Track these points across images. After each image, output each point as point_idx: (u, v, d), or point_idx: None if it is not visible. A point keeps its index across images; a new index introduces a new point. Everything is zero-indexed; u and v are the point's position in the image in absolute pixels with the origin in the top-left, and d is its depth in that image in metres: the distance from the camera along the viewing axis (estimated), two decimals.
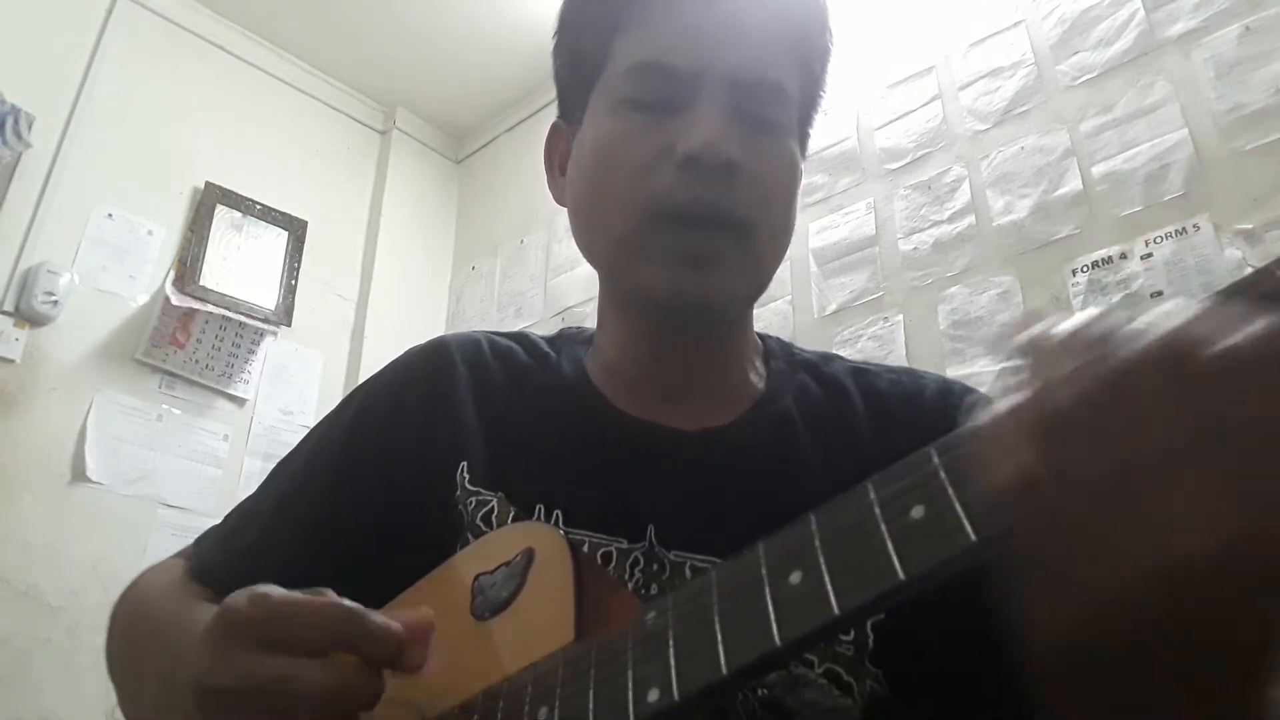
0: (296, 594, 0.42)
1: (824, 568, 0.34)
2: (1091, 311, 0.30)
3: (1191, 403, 0.27)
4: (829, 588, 0.33)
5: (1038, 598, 0.28)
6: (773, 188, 0.61)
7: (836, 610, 0.32)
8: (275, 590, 0.42)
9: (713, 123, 0.58)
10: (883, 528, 0.33)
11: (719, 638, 0.35)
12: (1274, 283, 0.29)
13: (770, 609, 0.34)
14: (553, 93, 0.71)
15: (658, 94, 0.61)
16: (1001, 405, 0.31)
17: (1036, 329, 0.31)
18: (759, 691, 0.52)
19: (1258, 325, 0.27)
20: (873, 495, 0.34)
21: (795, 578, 0.34)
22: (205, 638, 0.42)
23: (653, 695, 0.36)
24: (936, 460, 0.33)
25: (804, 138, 0.69)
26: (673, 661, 0.36)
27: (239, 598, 0.42)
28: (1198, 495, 0.26)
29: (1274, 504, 0.25)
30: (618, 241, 0.62)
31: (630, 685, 0.37)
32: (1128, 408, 0.27)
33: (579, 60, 0.67)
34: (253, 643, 0.40)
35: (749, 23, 0.61)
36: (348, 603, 0.42)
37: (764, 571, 0.36)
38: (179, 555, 0.71)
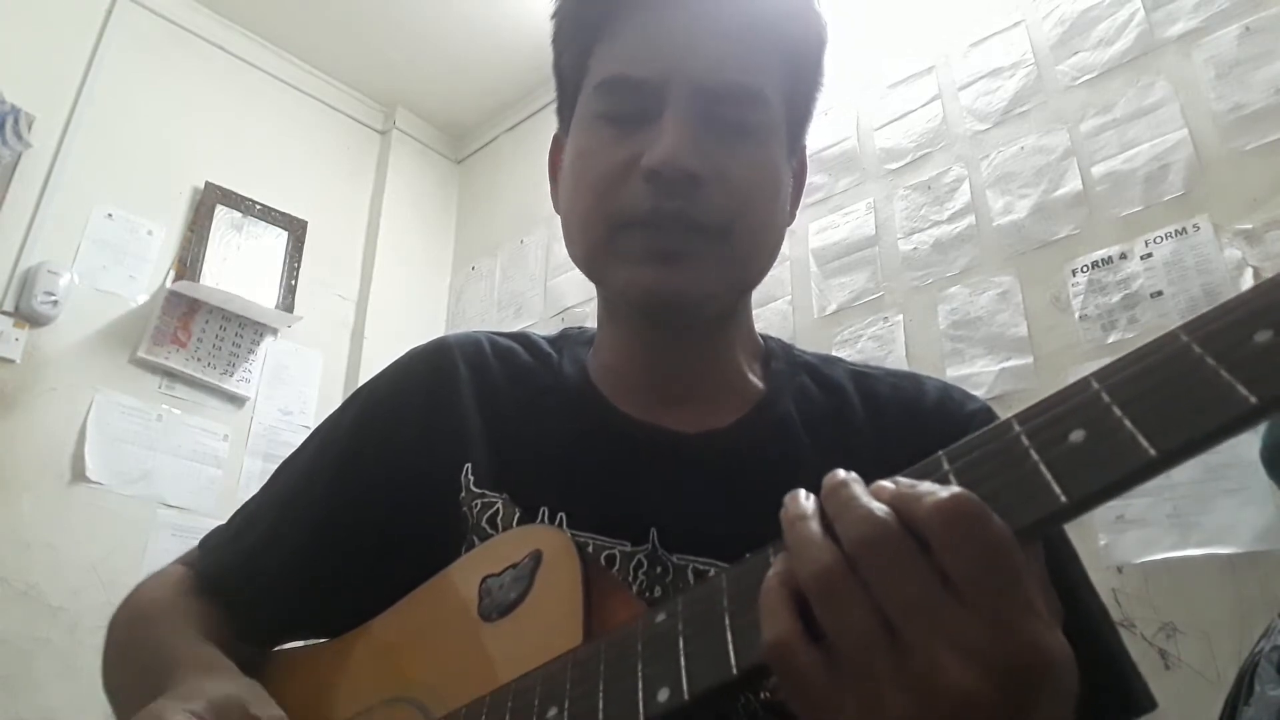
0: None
1: None
2: (838, 480, 0.35)
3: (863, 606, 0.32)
4: None
5: None
6: (748, 190, 0.61)
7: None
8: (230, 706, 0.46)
9: (675, 135, 0.58)
10: None
11: (729, 638, 0.35)
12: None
13: None
14: (553, 92, 0.72)
15: (626, 107, 0.61)
16: (771, 573, 0.35)
17: (794, 508, 0.36)
18: (761, 695, 0.52)
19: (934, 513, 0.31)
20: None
21: None
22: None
23: (663, 695, 0.36)
24: (947, 466, 0.34)
25: (795, 136, 0.68)
26: (683, 661, 0.36)
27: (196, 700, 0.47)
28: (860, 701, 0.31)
29: (926, 701, 0.30)
30: (590, 250, 0.63)
31: (640, 685, 0.37)
32: (841, 600, 0.32)
33: (563, 77, 0.68)
34: None
35: (717, 28, 0.61)
36: None
37: None
38: (180, 561, 0.71)
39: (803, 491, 0.36)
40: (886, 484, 0.34)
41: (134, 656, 0.64)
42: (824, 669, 0.32)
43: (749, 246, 0.62)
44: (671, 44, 0.60)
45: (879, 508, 0.33)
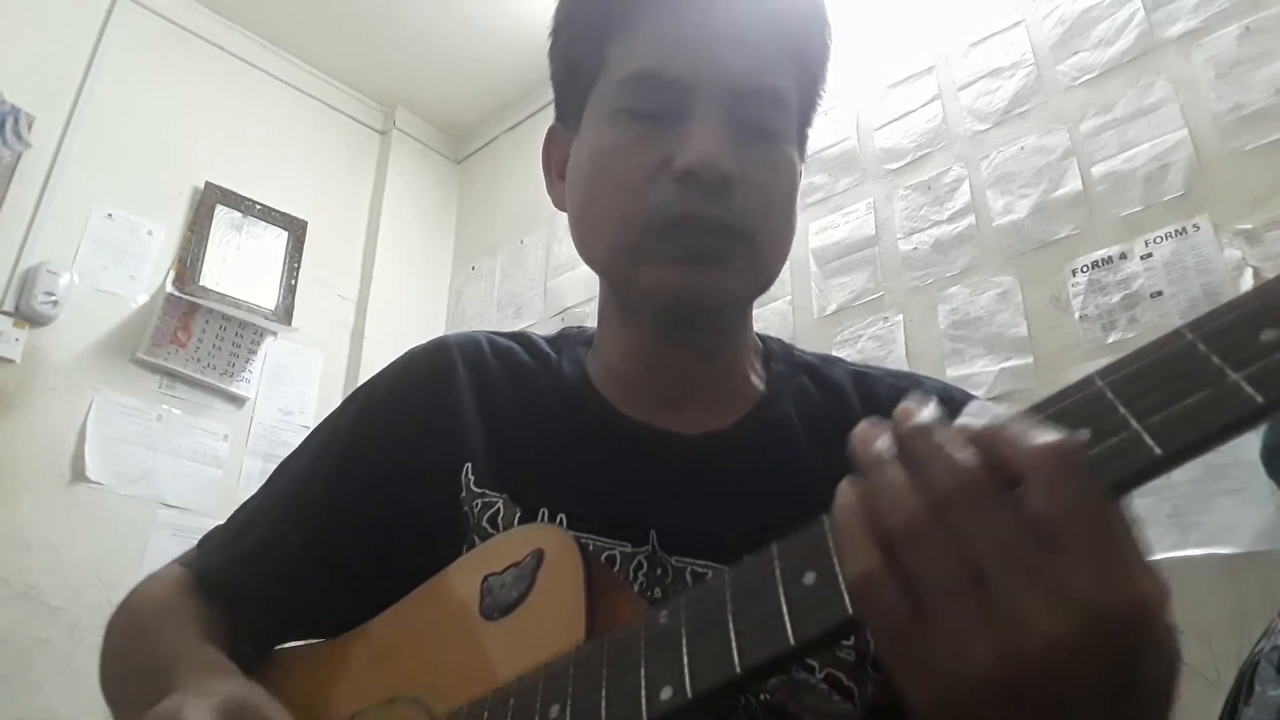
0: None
1: (838, 569, 0.34)
2: (923, 422, 0.34)
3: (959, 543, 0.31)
4: (843, 589, 0.33)
5: (895, 673, 0.33)
6: (773, 195, 0.61)
7: (850, 611, 0.33)
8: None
9: (710, 137, 0.57)
10: None
11: (733, 636, 0.35)
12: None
13: (784, 609, 0.34)
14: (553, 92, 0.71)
15: (654, 104, 0.60)
16: (847, 504, 0.34)
17: (871, 449, 0.35)
18: (761, 696, 0.52)
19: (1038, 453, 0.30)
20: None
21: (809, 578, 0.34)
22: None
23: (665, 693, 0.36)
24: None
25: (803, 139, 0.69)
26: (686, 660, 0.36)
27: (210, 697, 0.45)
28: (952, 632, 0.30)
29: (1013, 651, 0.29)
30: (616, 251, 0.62)
31: (643, 683, 0.37)
32: (934, 534, 0.31)
33: (574, 66, 0.66)
34: None
35: (746, 30, 0.61)
36: None
37: (777, 572, 0.36)
38: (178, 562, 0.71)
39: (870, 424, 0.36)
40: (972, 423, 0.33)
41: (134, 657, 0.63)
42: (910, 611, 0.31)
43: (771, 250, 0.62)
44: (702, 44, 0.60)
45: (971, 454, 0.32)
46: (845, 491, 0.34)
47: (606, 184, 0.62)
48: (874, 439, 0.35)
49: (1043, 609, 0.29)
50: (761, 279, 0.64)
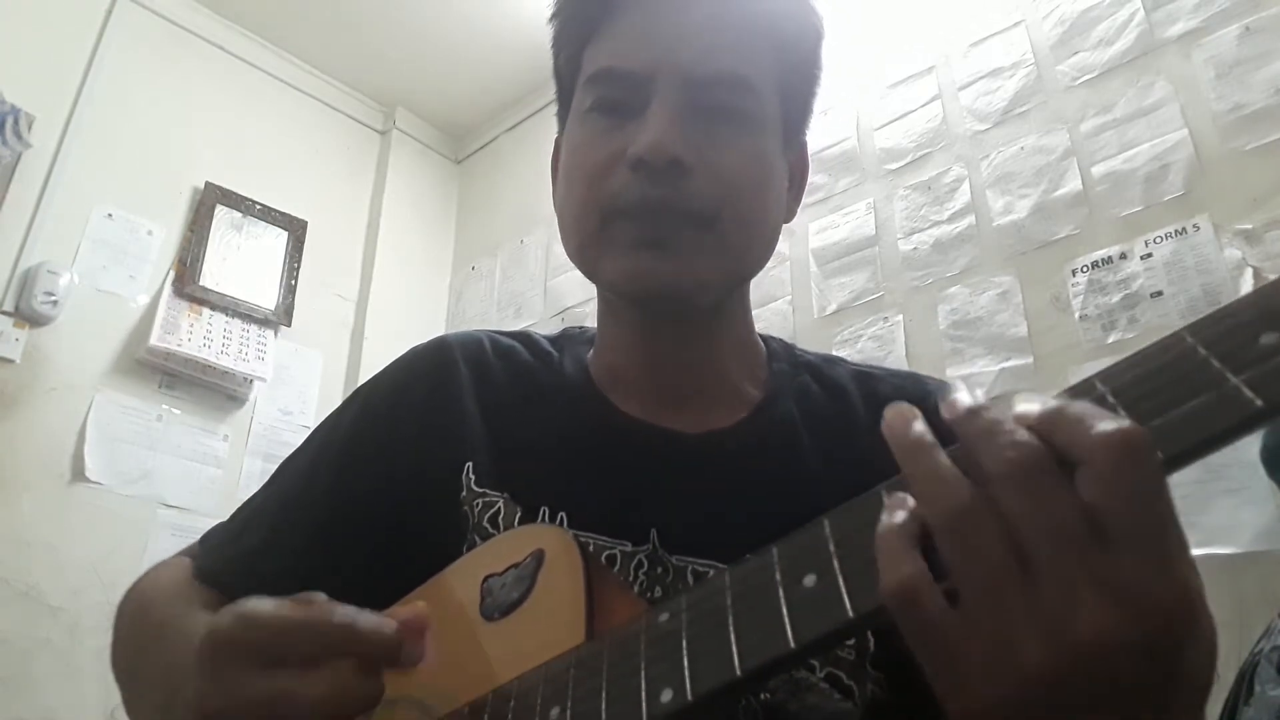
0: (285, 606, 0.42)
1: (838, 571, 0.34)
2: (965, 407, 0.32)
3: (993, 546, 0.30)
4: (843, 591, 0.33)
5: (936, 685, 0.32)
6: (737, 177, 0.61)
7: (850, 613, 0.33)
8: (262, 607, 0.42)
9: (661, 124, 0.58)
10: None
11: (733, 638, 0.35)
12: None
13: (784, 611, 0.34)
14: (553, 92, 0.72)
15: (615, 99, 0.61)
16: (891, 511, 0.33)
17: (910, 435, 0.33)
18: (761, 696, 0.52)
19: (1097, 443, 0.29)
20: (886, 499, 0.34)
21: (809, 580, 0.34)
22: (198, 660, 0.42)
23: (666, 695, 0.36)
24: None
25: (793, 127, 0.68)
26: (686, 662, 0.36)
27: (225, 618, 0.42)
28: (995, 635, 0.29)
29: (1062, 644, 0.28)
30: (580, 243, 0.63)
31: (643, 685, 0.37)
32: (978, 535, 0.30)
33: (560, 75, 0.69)
34: (245, 662, 0.40)
35: (705, 21, 0.61)
36: (338, 609, 0.41)
37: (778, 574, 0.36)
38: (183, 554, 0.71)
39: (906, 406, 0.34)
40: (1032, 407, 0.31)
41: (148, 635, 0.63)
42: (952, 614, 0.30)
43: (739, 235, 0.61)
44: (659, 36, 0.61)
45: (1028, 436, 0.30)
46: (889, 503, 0.33)
47: (574, 180, 0.63)
48: (909, 422, 0.33)
49: (1092, 599, 0.28)
50: (733, 266, 0.63)
